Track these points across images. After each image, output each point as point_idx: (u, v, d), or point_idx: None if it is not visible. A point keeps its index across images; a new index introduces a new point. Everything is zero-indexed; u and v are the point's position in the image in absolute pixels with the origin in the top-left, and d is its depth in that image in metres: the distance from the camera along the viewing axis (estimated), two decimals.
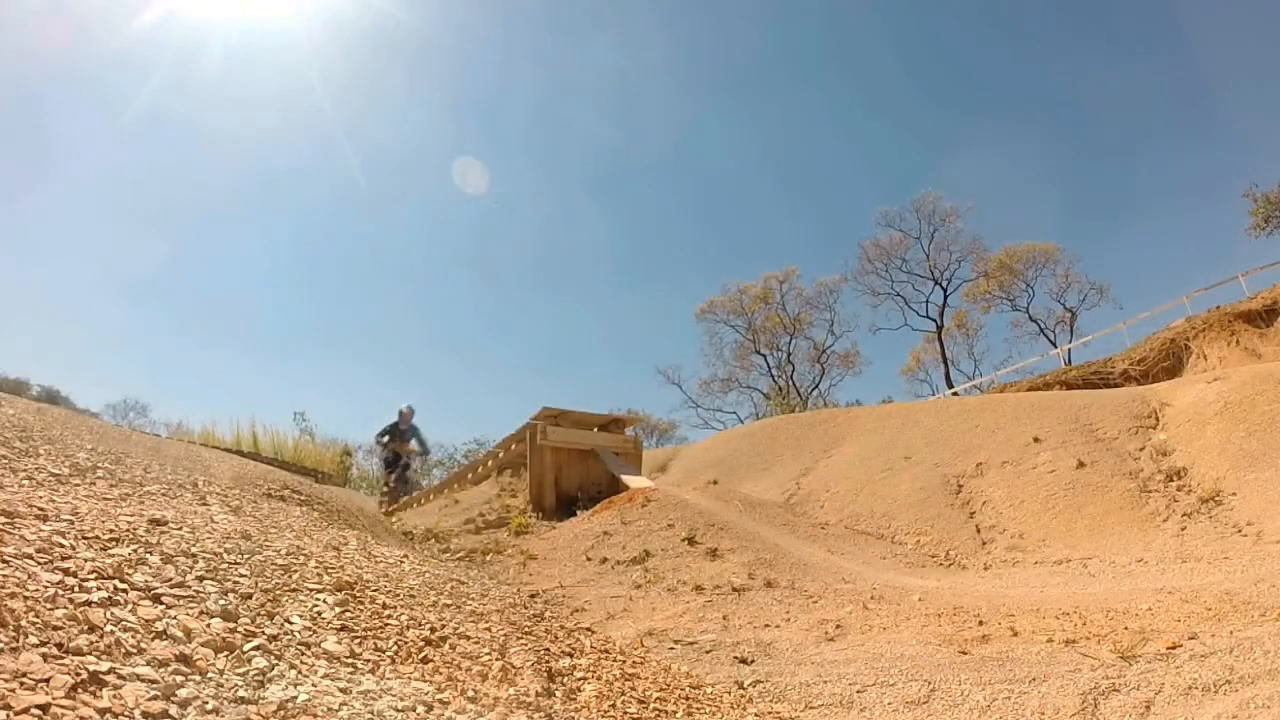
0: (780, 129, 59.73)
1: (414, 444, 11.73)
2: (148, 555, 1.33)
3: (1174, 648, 2.35)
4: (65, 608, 1.01)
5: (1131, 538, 5.53)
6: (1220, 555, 4.64)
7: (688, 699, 1.79)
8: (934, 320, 36.74)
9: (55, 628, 0.96)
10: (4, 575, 1.07)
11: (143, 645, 1.03)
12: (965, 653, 2.56)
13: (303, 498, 3.87)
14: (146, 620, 1.10)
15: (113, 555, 1.30)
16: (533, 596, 3.81)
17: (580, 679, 1.57)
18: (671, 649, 3.08)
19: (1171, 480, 6.21)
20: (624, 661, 1.91)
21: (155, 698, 0.96)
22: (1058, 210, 54.31)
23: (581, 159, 62.59)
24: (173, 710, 0.95)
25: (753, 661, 2.85)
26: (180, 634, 1.09)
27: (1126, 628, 2.67)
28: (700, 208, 61.34)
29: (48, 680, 0.87)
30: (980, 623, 2.98)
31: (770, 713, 2.03)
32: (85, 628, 0.98)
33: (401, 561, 2.09)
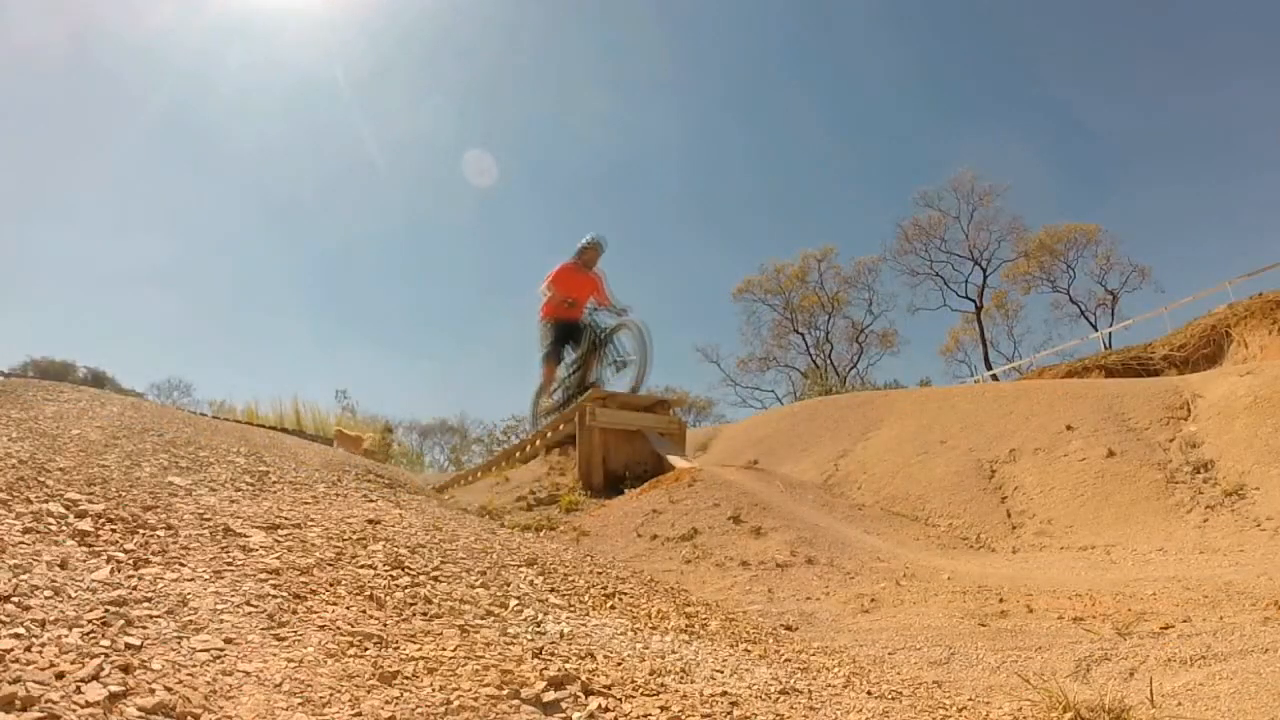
0: (829, 104, 58.74)
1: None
2: (395, 549, 1.84)
3: (1166, 628, 2.73)
4: (403, 589, 1.55)
5: (1155, 527, 5.82)
6: (1236, 548, 4.93)
7: (775, 637, 2.33)
8: (973, 300, 36.44)
9: (409, 604, 1.50)
10: (346, 574, 1.60)
11: (464, 607, 1.56)
12: (984, 625, 2.97)
13: (387, 482, 4.38)
14: (445, 591, 1.61)
15: (372, 551, 1.82)
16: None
17: (704, 619, 2.08)
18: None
19: (1198, 472, 6.45)
20: (725, 612, 2.42)
21: (508, 638, 1.50)
22: (1099, 190, 52.91)
23: (605, 146, 62.38)
24: (540, 640, 1.47)
25: (797, 629, 3.28)
26: (470, 598, 1.59)
27: (1130, 609, 3.04)
28: (726, 189, 60.84)
29: (436, 631, 1.46)
30: (1000, 600, 3.38)
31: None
32: (423, 600, 1.52)
33: (542, 541, 2.62)
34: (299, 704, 1.21)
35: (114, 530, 1.79)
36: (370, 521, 2.11)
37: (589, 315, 9.10)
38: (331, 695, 1.26)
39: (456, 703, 1.30)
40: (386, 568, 1.74)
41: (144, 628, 1.33)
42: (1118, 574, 4.48)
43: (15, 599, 1.28)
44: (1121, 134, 51.31)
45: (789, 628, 3.32)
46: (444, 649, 1.43)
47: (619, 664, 1.54)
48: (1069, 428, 8.09)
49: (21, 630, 1.18)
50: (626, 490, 7.55)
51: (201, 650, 1.30)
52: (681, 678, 1.58)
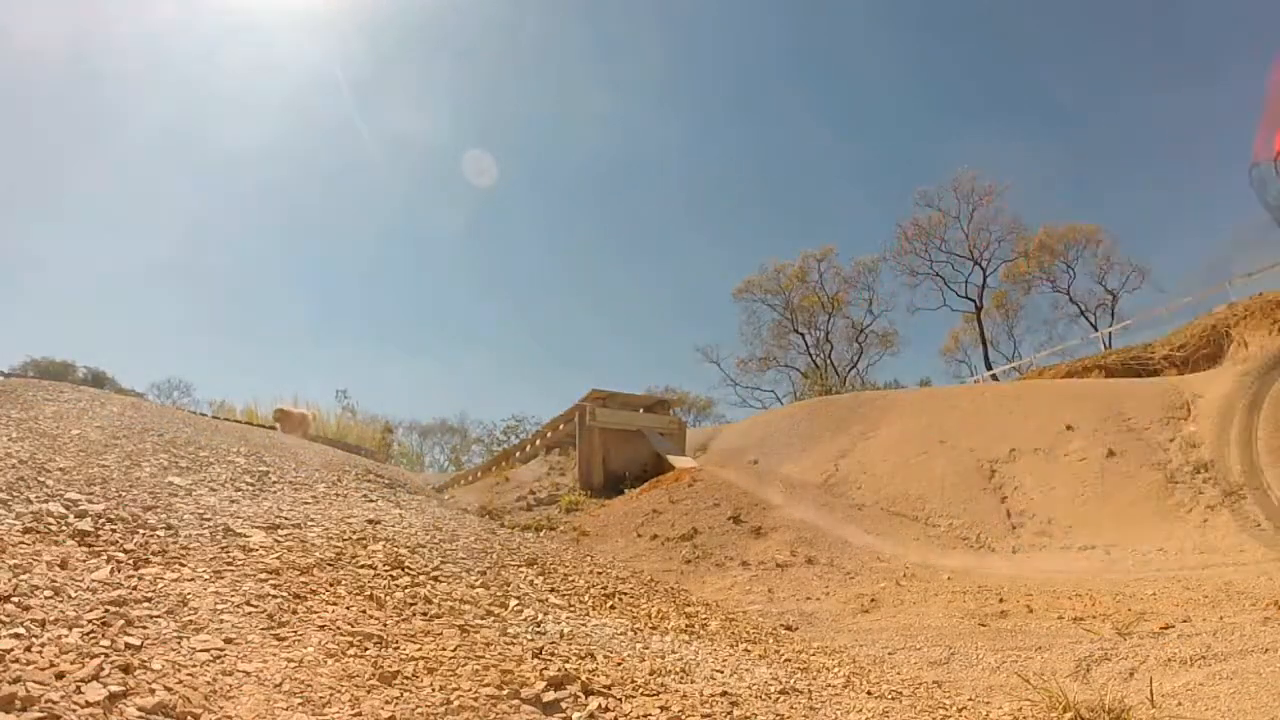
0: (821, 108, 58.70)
1: None
2: (395, 549, 1.84)
3: (1166, 628, 2.73)
4: (403, 589, 1.54)
5: (1155, 527, 5.82)
6: (1237, 548, 4.93)
7: (775, 637, 2.32)
8: (973, 300, 36.37)
9: (409, 604, 1.50)
10: (346, 574, 1.59)
11: (464, 607, 1.55)
12: (984, 625, 2.97)
13: (387, 482, 4.37)
14: (445, 591, 1.62)
15: (372, 551, 1.82)
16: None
17: (705, 619, 2.09)
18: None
19: (1198, 473, 6.44)
20: (724, 612, 2.41)
21: (508, 638, 1.49)
22: (1099, 190, 52.87)
23: (605, 146, 62.22)
24: (543, 643, 1.45)
25: (797, 629, 3.29)
26: (470, 598, 1.59)
27: (1130, 609, 3.05)
28: (722, 193, 60.63)
29: (436, 631, 1.51)
30: (1000, 600, 3.38)
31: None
32: (423, 600, 1.51)
33: (542, 541, 2.62)
34: (299, 704, 1.21)
35: (114, 530, 1.79)
36: (370, 521, 2.11)
37: None
38: (331, 695, 1.26)
39: (456, 702, 1.30)
40: (386, 568, 1.74)
41: (144, 628, 1.33)
42: (1117, 574, 4.48)
43: (15, 599, 1.28)
44: (1121, 134, 51.31)
45: (789, 628, 3.32)
46: (444, 649, 1.43)
47: (619, 664, 1.55)
48: (1069, 428, 8.08)
49: (21, 630, 1.18)
50: (626, 490, 7.56)
51: (201, 650, 1.30)
52: (681, 677, 1.59)
